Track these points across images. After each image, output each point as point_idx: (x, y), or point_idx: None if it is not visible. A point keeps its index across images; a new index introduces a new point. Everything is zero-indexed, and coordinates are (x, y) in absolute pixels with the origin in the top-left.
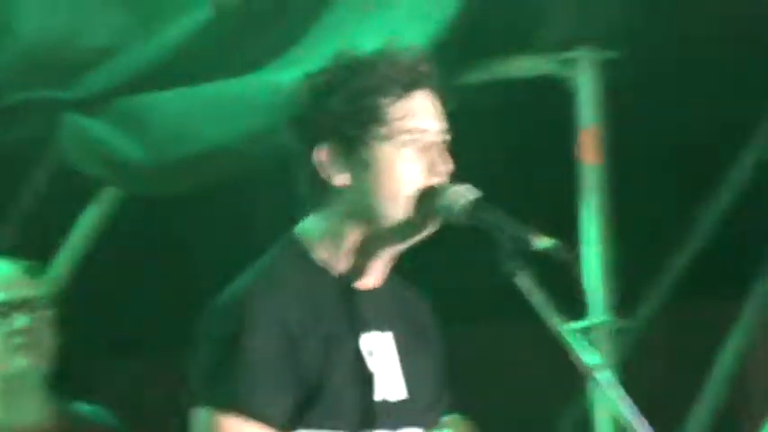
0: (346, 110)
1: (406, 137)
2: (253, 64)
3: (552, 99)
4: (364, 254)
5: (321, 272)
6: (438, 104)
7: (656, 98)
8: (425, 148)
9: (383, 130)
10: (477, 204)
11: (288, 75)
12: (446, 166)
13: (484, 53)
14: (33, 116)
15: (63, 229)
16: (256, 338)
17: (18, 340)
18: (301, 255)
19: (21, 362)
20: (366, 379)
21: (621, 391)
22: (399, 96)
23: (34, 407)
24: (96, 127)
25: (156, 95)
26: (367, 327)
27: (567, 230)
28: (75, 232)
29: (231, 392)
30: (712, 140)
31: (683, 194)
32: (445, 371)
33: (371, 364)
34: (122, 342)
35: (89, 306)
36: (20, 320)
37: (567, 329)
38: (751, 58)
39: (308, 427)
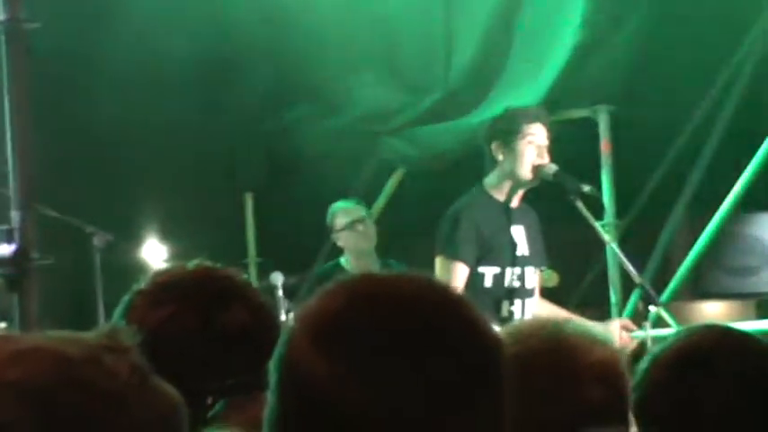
0: (507, 127)
1: (531, 139)
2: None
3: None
4: (511, 192)
5: (493, 199)
6: (545, 128)
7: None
8: (539, 146)
9: (521, 136)
10: (557, 171)
11: (481, 117)
12: (547, 155)
13: (561, 106)
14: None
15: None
16: (464, 225)
17: (362, 237)
18: (484, 191)
19: (363, 245)
20: (513, 244)
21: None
22: (529, 123)
23: (373, 266)
24: (396, 141)
25: (425, 127)
26: (513, 223)
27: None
28: (383, 193)
29: (453, 250)
30: None
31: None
32: (544, 245)
33: (515, 239)
34: None
35: None
36: (361, 227)
37: (598, 224)
38: None
39: (484, 265)
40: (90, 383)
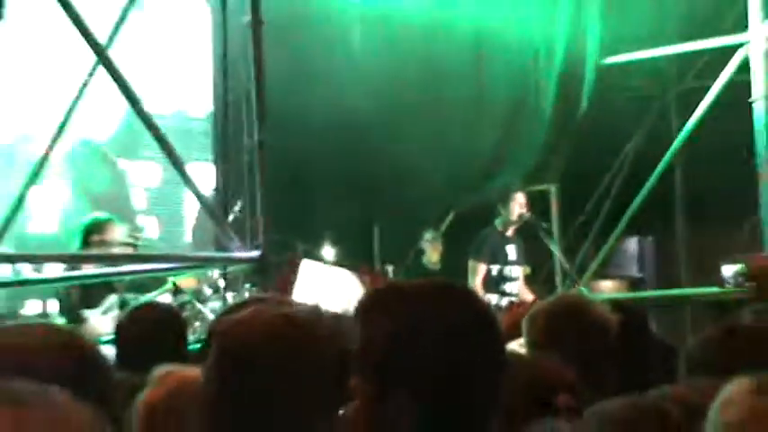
0: (504, 195)
1: (517, 201)
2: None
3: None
4: (507, 228)
5: (499, 231)
6: (524, 194)
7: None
8: (521, 204)
9: (511, 199)
10: (531, 217)
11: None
12: (526, 208)
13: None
14: None
15: None
16: (483, 244)
17: (436, 248)
18: (495, 227)
19: (437, 252)
20: (506, 253)
21: None
22: (515, 192)
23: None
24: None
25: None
26: (508, 243)
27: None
28: (444, 225)
29: (478, 255)
30: None
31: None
32: (525, 254)
33: (508, 252)
34: None
35: None
36: (437, 242)
37: (551, 243)
38: None
39: (492, 264)
40: (313, 334)
